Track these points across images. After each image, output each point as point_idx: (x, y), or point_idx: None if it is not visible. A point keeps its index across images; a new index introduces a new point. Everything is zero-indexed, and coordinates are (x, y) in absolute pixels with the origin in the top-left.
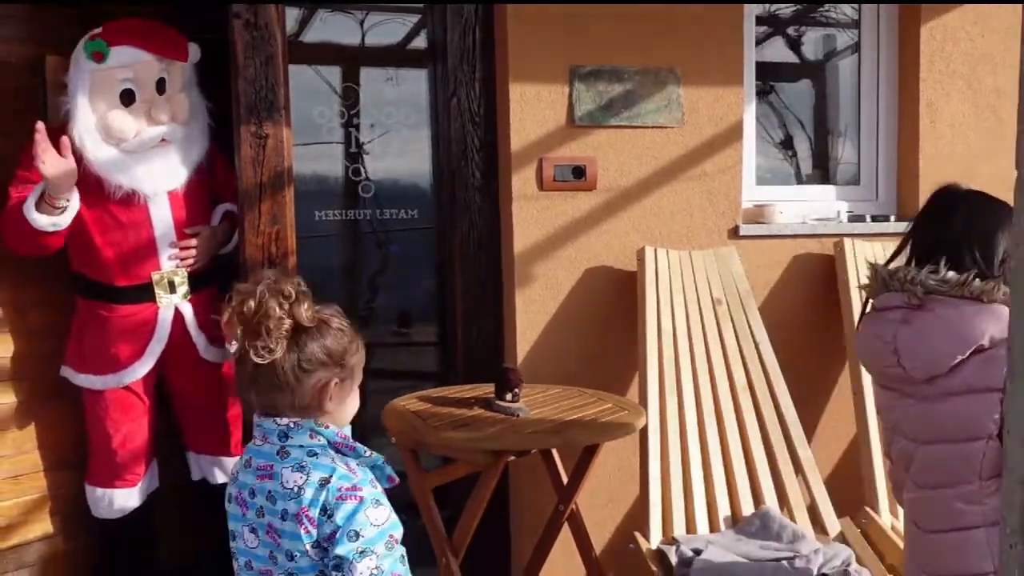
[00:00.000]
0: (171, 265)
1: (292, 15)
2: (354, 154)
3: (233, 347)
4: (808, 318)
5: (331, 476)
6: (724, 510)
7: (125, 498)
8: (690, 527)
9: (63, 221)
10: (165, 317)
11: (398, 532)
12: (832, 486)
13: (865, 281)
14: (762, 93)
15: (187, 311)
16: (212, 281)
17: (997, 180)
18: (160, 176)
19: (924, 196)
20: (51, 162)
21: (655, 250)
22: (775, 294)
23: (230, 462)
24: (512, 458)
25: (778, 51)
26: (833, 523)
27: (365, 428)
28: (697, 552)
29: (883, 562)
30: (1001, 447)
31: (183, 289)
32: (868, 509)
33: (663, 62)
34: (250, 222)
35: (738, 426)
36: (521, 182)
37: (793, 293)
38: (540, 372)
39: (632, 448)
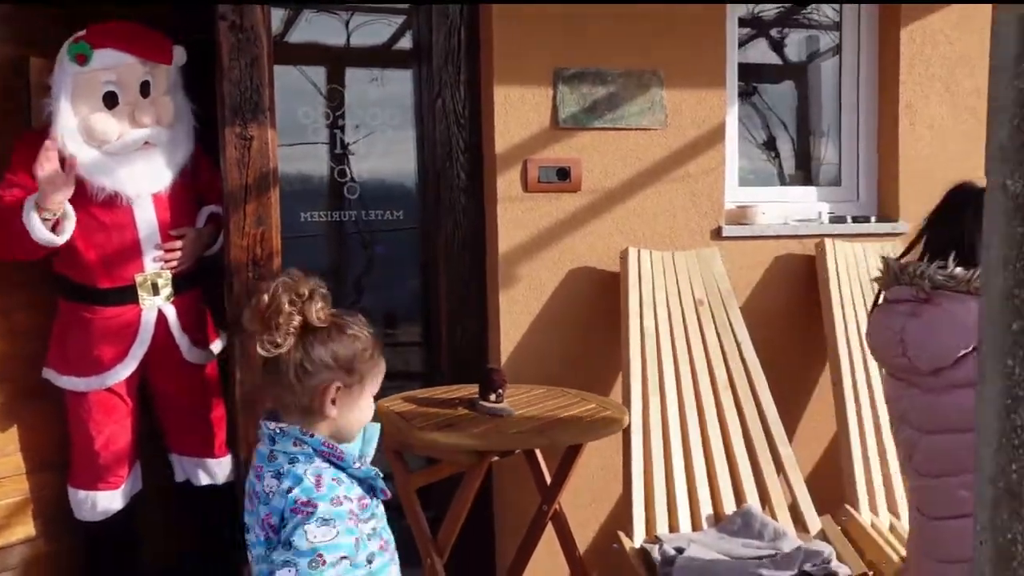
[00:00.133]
0: (155, 267)
1: (277, 16)
2: (339, 155)
3: (217, 348)
4: (789, 318)
5: (295, 487)
6: (706, 509)
7: (108, 500)
8: (673, 526)
9: (59, 240)
10: (148, 319)
11: (331, 555)
12: (813, 484)
13: (877, 274)
14: (744, 95)
15: (170, 313)
16: (196, 283)
17: (972, 178)
18: (143, 178)
19: (904, 197)
20: (49, 170)
21: (638, 251)
22: (757, 294)
23: (213, 463)
24: (496, 458)
25: (761, 53)
26: (814, 521)
27: None
28: (680, 551)
29: (863, 559)
30: None
31: (167, 291)
32: (848, 507)
33: (647, 64)
34: (235, 223)
35: (720, 425)
36: (506, 183)
37: (775, 293)
38: (524, 372)
39: (615, 448)
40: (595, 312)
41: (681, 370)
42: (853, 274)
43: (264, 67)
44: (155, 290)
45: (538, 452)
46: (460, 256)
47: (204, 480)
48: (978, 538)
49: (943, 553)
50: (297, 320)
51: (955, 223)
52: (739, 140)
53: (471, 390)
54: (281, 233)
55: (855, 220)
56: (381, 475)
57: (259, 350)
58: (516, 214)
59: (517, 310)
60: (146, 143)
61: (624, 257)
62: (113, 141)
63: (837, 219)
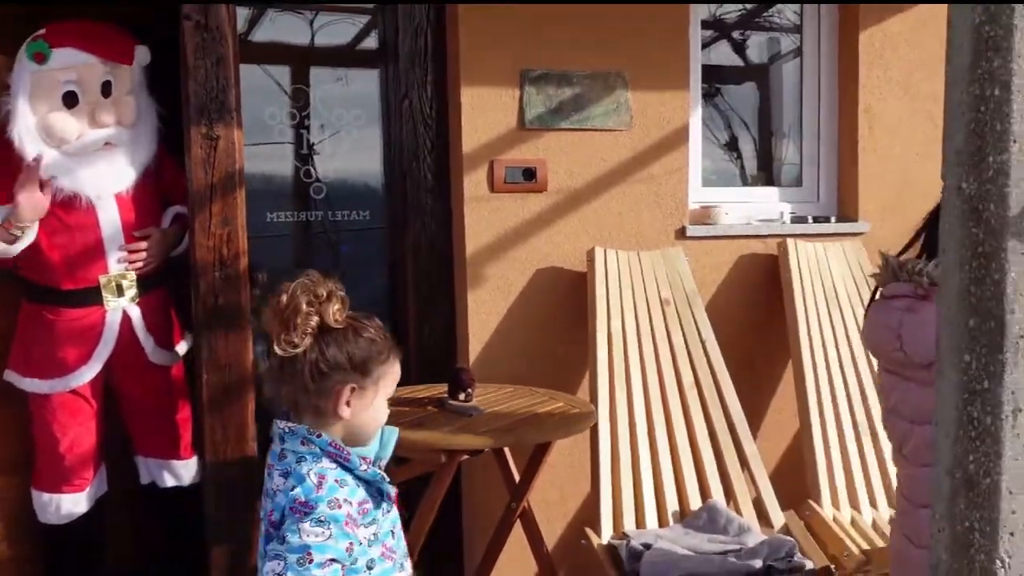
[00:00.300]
0: (119, 268)
1: (241, 15)
2: (305, 155)
3: (183, 349)
4: (753, 316)
5: (297, 486)
6: (672, 505)
7: (73, 503)
8: (640, 522)
9: (13, 250)
10: (112, 320)
11: (319, 555)
12: (776, 479)
13: (875, 270)
14: (707, 96)
15: (135, 314)
16: (161, 284)
17: (932, 183)
18: (105, 179)
19: (864, 198)
20: (29, 192)
21: (604, 251)
22: (721, 293)
23: (179, 465)
24: (465, 457)
25: (723, 55)
26: (777, 515)
27: None
28: (647, 546)
29: (825, 552)
30: None
31: (131, 292)
32: (811, 502)
33: (612, 66)
34: (201, 224)
35: (686, 422)
36: (472, 184)
37: (738, 292)
38: (492, 372)
39: (582, 445)
40: (562, 311)
41: (647, 368)
42: (815, 273)
43: (230, 67)
44: (119, 291)
45: (507, 451)
46: (427, 256)
47: (170, 482)
48: (936, 526)
49: (927, 538)
50: (314, 320)
51: None
52: (702, 141)
53: (439, 390)
54: (247, 233)
55: (816, 220)
56: (388, 479)
57: (276, 349)
58: (483, 214)
59: (485, 310)
60: (107, 143)
61: (591, 257)
62: (72, 141)
63: (799, 219)
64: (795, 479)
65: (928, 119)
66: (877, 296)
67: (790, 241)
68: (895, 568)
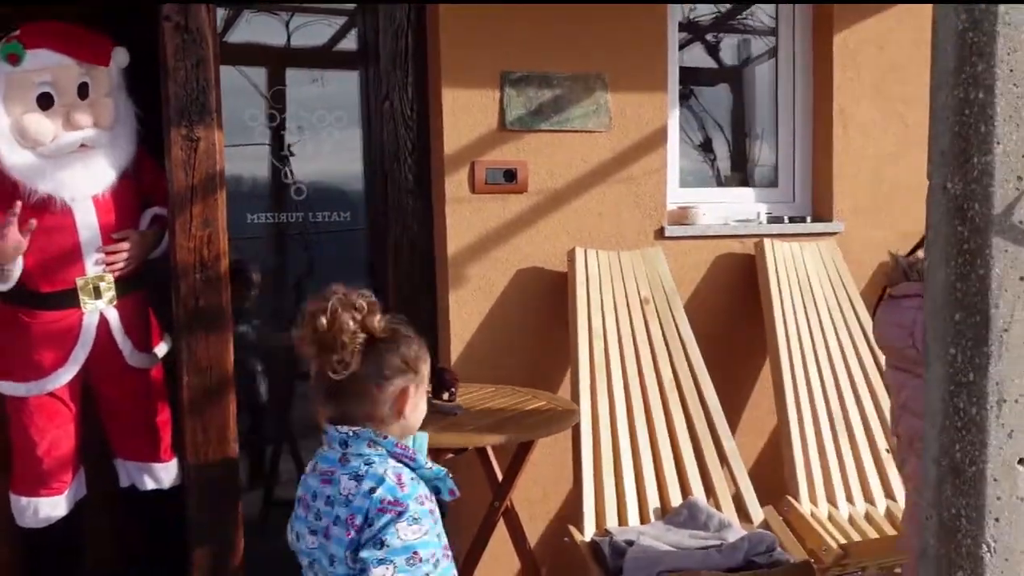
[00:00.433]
0: (96, 270)
1: (220, 16)
2: (285, 157)
3: (161, 351)
4: (731, 315)
5: (378, 487)
6: (654, 502)
7: (51, 507)
8: (622, 519)
9: (4, 288)
10: (90, 323)
11: (425, 551)
12: (755, 475)
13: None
14: (683, 97)
15: (112, 317)
16: (139, 286)
17: (903, 183)
18: (81, 181)
19: (838, 198)
20: (12, 237)
21: (585, 251)
22: (699, 292)
23: (159, 468)
24: (451, 456)
25: (698, 57)
26: (757, 511)
27: (300, 430)
28: (629, 543)
29: (804, 546)
30: None
31: (109, 295)
32: (789, 498)
33: (591, 68)
34: (181, 225)
35: (666, 420)
36: (454, 185)
37: (717, 291)
38: (474, 372)
39: (564, 444)
40: (543, 311)
41: (628, 367)
42: (791, 272)
43: (210, 68)
44: (97, 293)
45: (490, 449)
46: (408, 257)
47: (150, 485)
48: (923, 513)
49: None
50: (362, 336)
51: None
52: (679, 142)
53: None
54: (228, 235)
55: (791, 220)
56: (451, 475)
57: (330, 374)
58: (464, 215)
59: (466, 310)
60: (83, 145)
61: (571, 257)
62: (47, 143)
63: (775, 219)
64: (772, 475)
65: (900, 121)
66: (886, 296)
67: (767, 241)
68: (913, 562)
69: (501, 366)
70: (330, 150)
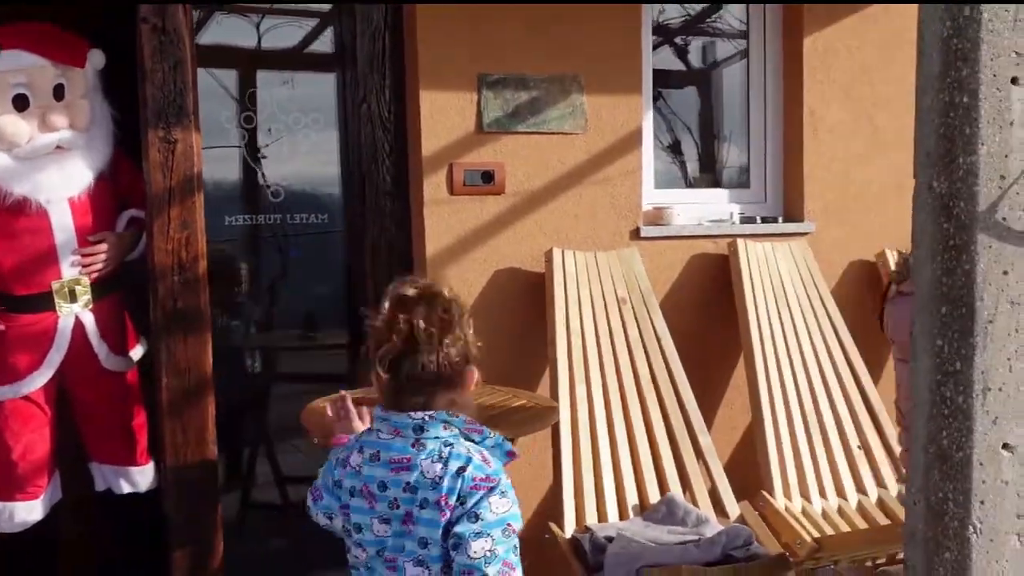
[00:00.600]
0: (72, 273)
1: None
2: (262, 159)
3: (137, 354)
4: (706, 314)
5: (467, 465)
6: (632, 498)
7: (27, 511)
8: (601, 516)
9: None
10: (65, 326)
11: (517, 523)
12: (730, 472)
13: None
14: (655, 99)
15: (88, 320)
16: (115, 289)
17: (872, 184)
18: (56, 184)
19: (808, 199)
20: None
21: (562, 251)
22: (675, 292)
23: (136, 471)
24: None
25: (669, 59)
26: (733, 506)
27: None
28: (609, 539)
29: (779, 540)
30: None
31: (85, 298)
32: (764, 493)
33: (567, 70)
34: (159, 227)
35: (643, 417)
36: (432, 187)
37: (691, 291)
38: None
39: (543, 442)
40: (521, 311)
41: (606, 366)
42: (764, 272)
43: (188, 70)
44: (72, 297)
45: None
46: (386, 258)
47: (126, 488)
48: (911, 499)
49: None
50: (439, 334)
51: None
52: (654, 144)
53: None
54: (206, 237)
55: (764, 220)
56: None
57: (430, 367)
58: (443, 216)
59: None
60: (59, 147)
61: (549, 258)
62: (23, 144)
63: (747, 220)
64: (747, 471)
65: (869, 122)
66: (892, 292)
67: (740, 241)
68: None
69: (480, 366)
70: (307, 152)
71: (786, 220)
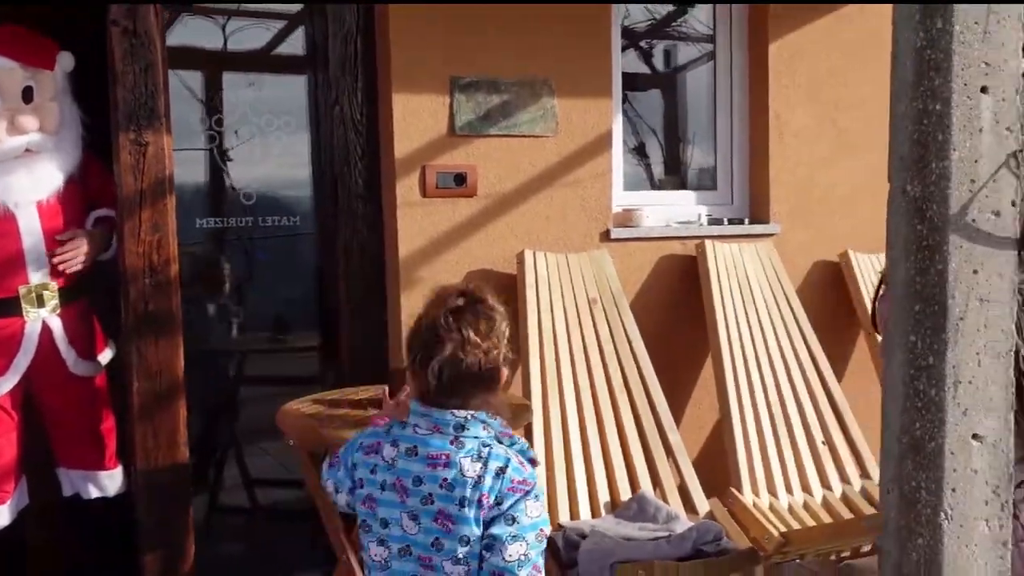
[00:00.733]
0: (39, 278)
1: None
2: (234, 161)
3: (106, 358)
4: (675, 314)
5: (506, 467)
6: (604, 496)
7: None
8: (573, 514)
9: None
10: (32, 331)
11: (548, 528)
12: (699, 469)
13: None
14: (624, 102)
15: (55, 325)
16: (83, 294)
17: (836, 186)
18: (25, 187)
19: (774, 201)
20: None
21: (534, 253)
22: (644, 293)
23: (104, 476)
24: None
25: (636, 62)
26: (702, 503)
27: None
28: (582, 536)
29: (747, 535)
30: None
31: (52, 303)
32: (732, 489)
33: (538, 73)
34: (130, 230)
35: (614, 416)
36: (405, 189)
37: (660, 291)
38: None
39: None
40: None
41: (577, 366)
42: (731, 272)
43: (159, 72)
44: (40, 302)
45: None
46: (359, 261)
47: (94, 493)
48: (885, 488)
49: None
50: (483, 339)
51: None
52: (623, 146)
53: (376, 391)
54: (178, 240)
55: (731, 222)
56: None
57: (487, 364)
58: (415, 219)
59: (417, 313)
60: (28, 150)
61: (521, 259)
62: None
63: (715, 221)
64: (716, 468)
65: (833, 125)
66: (883, 291)
67: (708, 242)
68: None
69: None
70: (279, 155)
71: (752, 222)
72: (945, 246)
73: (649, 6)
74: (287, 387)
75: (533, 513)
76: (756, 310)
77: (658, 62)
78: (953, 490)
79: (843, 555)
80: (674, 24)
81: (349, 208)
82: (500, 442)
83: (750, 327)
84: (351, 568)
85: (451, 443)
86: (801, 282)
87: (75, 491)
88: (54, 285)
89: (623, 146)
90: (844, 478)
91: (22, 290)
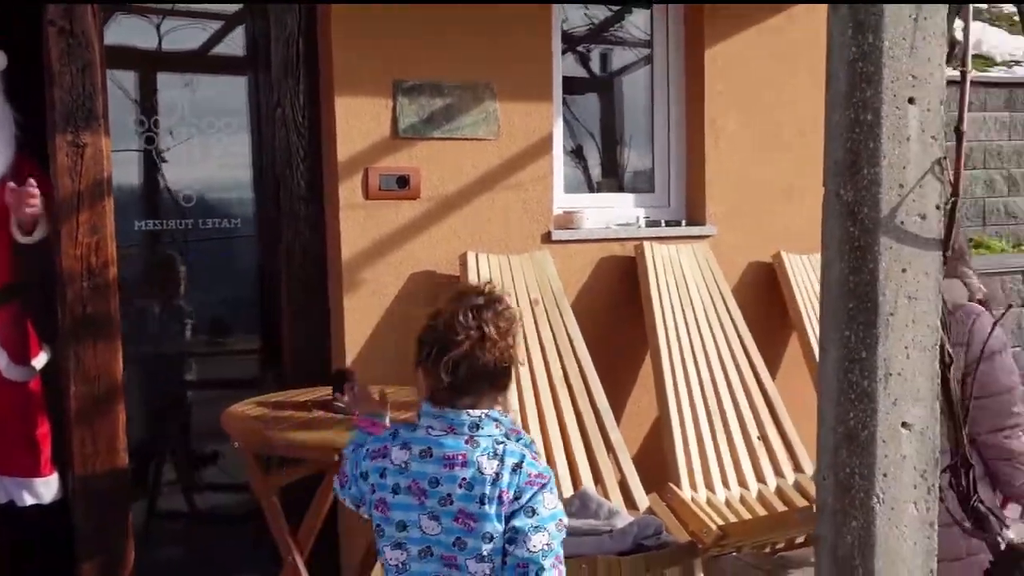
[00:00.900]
0: None
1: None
2: (172, 163)
3: (40, 362)
4: (615, 314)
5: (522, 462)
6: None
7: None
8: None
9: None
10: None
11: (565, 519)
12: (638, 465)
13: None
14: (563, 105)
15: None
16: (15, 297)
17: (768, 187)
18: None
19: (710, 203)
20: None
21: (476, 255)
22: (585, 293)
23: (40, 483)
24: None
25: (574, 67)
26: (642, 498)
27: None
28: None
29: (686, 529)
30: None
31: None
32: (671, 484)
33: (480, 77)
34: (67, 233)
35: (556, 414)
36: (347, 191)
37: (601, 292)
38: (369, 374)
39: None
40: None
41: (519, 365)
42: (669, 273)
43: (97, 73)
44: None
45: None
46: (301, 262)
47: (29, 500)
48: (820, 475)
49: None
50: (501, 338)
51: None
52: (563, 150)
53: (320, 393)
54: (116, 242)
55: (668, 224)
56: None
57: (479, 371)
58: (358, 220)
59: (359, 314)
60: None
61: (463, 261)
62: None
63: (653, 223)
64: (655, 464)
65: (766, 130)
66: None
67: (646, 244)
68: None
69: (394, 368)
70: (219, 156)
71: (689, 223)
72: (876, 247)
73: (587, 11)
74: (229, 390)
75: (550, 504)
76: (693, 310)
77: (596, 66)
78: (884, 475)
79: (778, 547)
80: (612, 29)
81: (291, 210)
82: (509, 438)
83: (687, 327)
84: (297, 569)
85: (466, 443)
86: (736, 282)
87: (9, 498)
88: None
89: (563, 149)
90: (778, 472)
91: None
